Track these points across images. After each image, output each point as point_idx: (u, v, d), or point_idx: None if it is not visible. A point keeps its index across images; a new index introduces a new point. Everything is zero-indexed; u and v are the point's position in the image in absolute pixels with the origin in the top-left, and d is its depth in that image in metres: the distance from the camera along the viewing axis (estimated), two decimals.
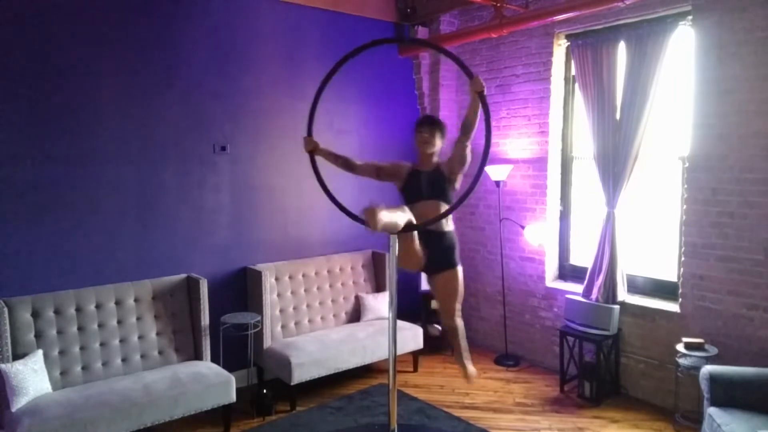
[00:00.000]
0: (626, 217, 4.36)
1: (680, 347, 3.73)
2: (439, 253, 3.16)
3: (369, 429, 3.75)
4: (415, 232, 3.03)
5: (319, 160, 3.34)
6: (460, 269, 3.23)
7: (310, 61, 4.79)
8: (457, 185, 3.20)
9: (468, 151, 3.11)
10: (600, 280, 4.28)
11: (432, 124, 3.18)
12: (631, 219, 4.42)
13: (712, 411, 3.11)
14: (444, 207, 3.09)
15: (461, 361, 3.34)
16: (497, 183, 4.99)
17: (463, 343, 3.34)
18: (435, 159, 3.20)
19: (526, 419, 3.95)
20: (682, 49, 3.95)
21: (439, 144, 3.19)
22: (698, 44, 3.78)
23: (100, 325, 3.73)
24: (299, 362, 4.03)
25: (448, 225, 3.18)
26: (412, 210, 3.13)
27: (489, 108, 2.89)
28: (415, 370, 4.78)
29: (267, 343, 4.29)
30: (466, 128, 3.03)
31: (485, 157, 2.88)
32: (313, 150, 3.31)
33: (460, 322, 3.33)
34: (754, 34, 3.54)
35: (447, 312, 3.30)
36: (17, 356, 3.38)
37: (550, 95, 4.75)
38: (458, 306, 3.28)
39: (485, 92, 2.87)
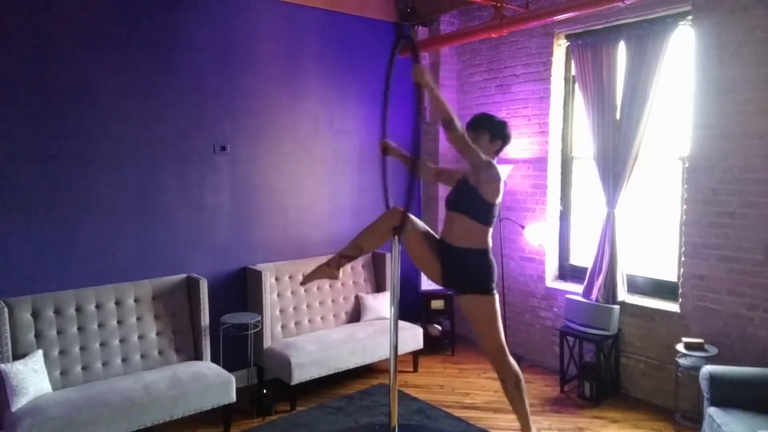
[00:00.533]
0: (626, 217, 4.36)
1: (680, 347, 3.73)
2: (456, 272, 2.82)
3: (369, 429, 3.75)
4: (416, 237, 2.84)
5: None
6: (491, 298, 2.80)
7: (310, 61, 4.79)
8: (494, 200, 2.77)
9: (462, 144, 2.66)
10: (600, 280, 4.28)
11: (476, 124, 2.84)
12: (631, 219, 4.42)
13: (712, 411, 3.10)
14: (469, 223, 2.77)
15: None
16: None
17: (520, 405, 2.85)
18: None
19: None
20: (682, 49, 3.95)
21: (485, 146, 2.81)
22: (698, 44, 3.78)
23: (100, 325, 3.73)
24: (299, 362, 4.03)
25: (476, 242, 2.79)
26: (445, 221, 2.92)
27: (424, 98, 2.75)
28: (415, 370, 4.78)
29: (267, 343, 4.29)
30: (442, 123, 2.69)
31: (415, 148, 2.77)
32: (385, 151, 3.10)
33: (512, 370, 2.83)
34: (754, 34, 3.54)
35: (485, 349, 2.92)
36: (17, 356, 3.38)
37: (550, 95, 4.75)
38: (501, 344, 2.84)
39: (426, 82, 2.59)
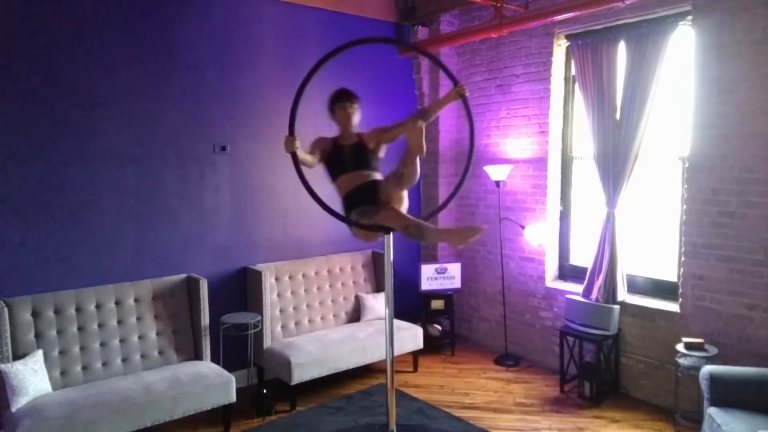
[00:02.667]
0: (626, 217, 4.36)
1: (680, 347, 3.73)
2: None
3: (369, 429, 3.75)
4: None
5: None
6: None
7: (310, 61, 4.71)
8: (381, 155, 3.20)
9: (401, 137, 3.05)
10: (600, 280, 4.28)
11: (352, 97, 3.18)
12: (631, 219, 4.42)
13: (712, 411, 3.11)
14: (372, 174, 3.08)
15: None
16: (497, 183, 4.99)
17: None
18: (355, 131, 3.19)
19: (526, 419, 3.95)
20: (682, 49, 3.95)
21: (358, 116, 3.21)
22: (698, 44, 3.78)
23: (100, 325, 3.73)
24: (299, 362, 4.03)
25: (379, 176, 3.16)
26: (339, 182, 3.14)
27: (471, 111, 3.08)
28: (415, 370, 4.78)
29: (267, 343, 4.29)
30: (424, 116, 3.02)
31: (471, 155, 2.95)
32: (295, 151, 3.08)
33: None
34: (754, 34, 3.54)
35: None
36: (17, 356, 3.38)
37: (550, 95, 4.75)
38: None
39: (467, 95, 3.04)
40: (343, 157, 3.13)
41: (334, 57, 3.09)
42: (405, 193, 3.03)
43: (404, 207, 3.05)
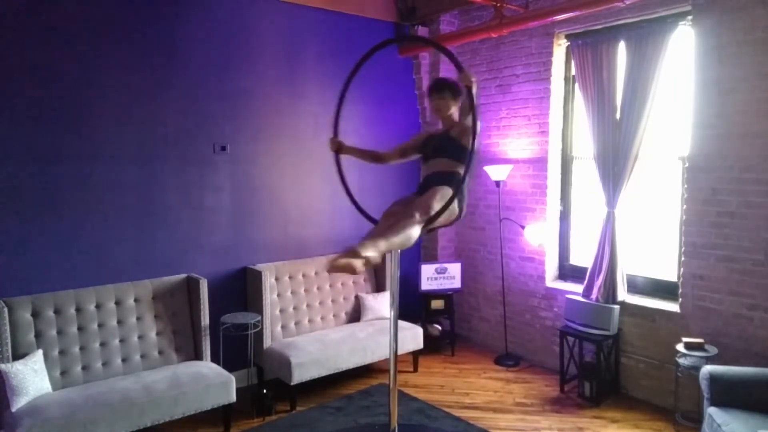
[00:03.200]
0: (626, 217, 4.36)
1: (680, 347, 3.73)
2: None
3: (369, 429, 3.75)
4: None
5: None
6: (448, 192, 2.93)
7: (310, 61, 4.79)
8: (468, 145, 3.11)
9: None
10: (600, 280, 4.28)
11: (440, 89, 3.17)
12: (631, 219, 4.42)
13: (712, 411, 3.11)
14: (451, 163, 3.05)
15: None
16: (497, 183, 4.99)
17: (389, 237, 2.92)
18: (453, 119, 3.19)
19: (526, 419, 3.95)
20: (682, 49, 3.95)
21: (453, 105, 3.16)
22: (698, 44, 3.79)
23: (100, 325, 3.73)
24: (299, 362, 4.03)
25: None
26: (425, 169, 3.14)
27: (476, 103, 2.90)
28: (415, 370, 4.78)
29: (267, 343, 4.29)
30: (463, 113, 3.11)
31: (472, 151, 2.86)
32: (338, 150, 3.29)
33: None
34: (754, 34, 3.54)
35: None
36: (17, 356, 3.38)
37: (550, 95, 4.75)
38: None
39: (474, 87, 2.86)
40: (429, 146, 3.20)
41: (368, 59, 3.11)
42: (438, 199, 2.88)
43: (433, 205, 2.88)
